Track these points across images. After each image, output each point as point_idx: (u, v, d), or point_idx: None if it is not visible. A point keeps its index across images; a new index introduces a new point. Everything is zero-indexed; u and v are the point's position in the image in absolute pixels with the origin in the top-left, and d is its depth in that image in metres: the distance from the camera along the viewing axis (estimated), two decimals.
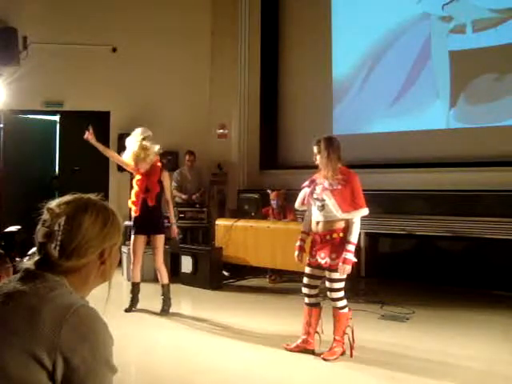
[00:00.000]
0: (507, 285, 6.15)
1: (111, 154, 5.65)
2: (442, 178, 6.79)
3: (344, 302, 4.01)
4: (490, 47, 6.77)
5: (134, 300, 5.42)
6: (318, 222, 4.05)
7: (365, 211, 3.98)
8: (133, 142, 5.31)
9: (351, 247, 3.89)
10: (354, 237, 3.92)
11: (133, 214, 5.43)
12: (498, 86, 6.73)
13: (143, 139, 5.27)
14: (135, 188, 5.37)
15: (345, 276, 3.96)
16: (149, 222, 5.34)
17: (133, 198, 5.37)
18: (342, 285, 3.98)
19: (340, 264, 3.86)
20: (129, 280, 6.54)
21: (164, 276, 5.41)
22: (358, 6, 8.00)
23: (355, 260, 4.02)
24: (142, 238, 5.41)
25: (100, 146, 5.38)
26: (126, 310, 5.33)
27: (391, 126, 7.56)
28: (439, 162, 6.96)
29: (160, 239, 5.38)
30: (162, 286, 5.41)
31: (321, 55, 8.28)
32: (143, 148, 5.23)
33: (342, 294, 4.00)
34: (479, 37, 6.85)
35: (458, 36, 7.05)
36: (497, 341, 4.48)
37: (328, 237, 3.98)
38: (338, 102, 8.17)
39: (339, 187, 3.96)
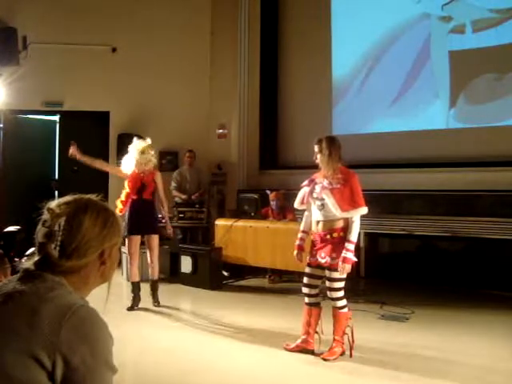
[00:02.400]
0: (507, 285, 6.15)
1: (99, 164, 5.70)
2: (442, 178, 6.79)
3: (344, 302, 4.02)
4: (489, 47, 6.77)
5: (136, 299, 5.47)
6: (318, 222, 4.06)
7: (364, 210, 3.99)
8: (135, 148, 5.46)
9: (351, 246, 3.89)
10: (353, 236, 3.92)
11: (117, 212, 5.46)
12: (497, 86, 6.73)
13: (146, 147, 5.43)
14: (126, 189, 5.48)
15: (345, 276, 3.96)
16: (143, 220, 5.44)
17: (122, 197, 5.49)
18: (341, 284, 3.99)
19: (340, 263, 3.87)
20: (128, 280, 6.54)
21: (156, 272, 5.57)
22: (358, 6, 8.00)
23: (355, 259, 4.02)
24: (136, 238, 5.50)
25: (87, 160, 5.48)
26: (129, 309, 5.39)
27: (391, 126, 7.56)
28: (439, 162, 6.97)
29: (156, 239, 5.52)
30: (152, 281, 5.55)
31: (321, 55, 8.28)
32: (146, 153, 5.41)
33: (341, 293, 4.00)
34: (479, 37, 6.86)
35: (458, 36, 7.05)
36: (497, 341, 4.48)
37: (328, 236, 3.98)
38: (337, 102, 8.17)
39: (339, 186, 3.96)
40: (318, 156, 4.07)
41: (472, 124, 6.97)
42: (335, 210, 3.92)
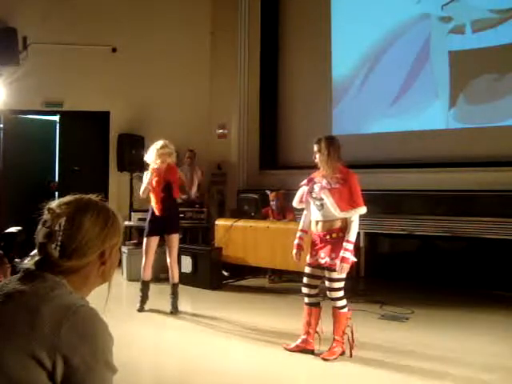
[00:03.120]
0: (507, 285, 6.15)
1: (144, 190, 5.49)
2: (441, 178, 6.79)
3: (344, 302, 4.01)
4: (489, 47, 6.77)
5: (145, 298, 5.44)
6: (317, 222, 4.05)
7: (363, 210, 3.98)
8: (157, 143, 5.42)
9: (349, 246, 3.89)
10: (352, 236, 3.92)
11: (156, 214, 5.34)
12: (497, 86, 6.73)
13: (167, 142, 5.42)
14: (154, 187, 5.35)
15: (344, 275, 3.96)
16: (166, 221, 5.35)
17: (153, 199, 5.35)
18: (341, 284, 3.99)
19: (338, 262, 3.87)
20: (129, 280, 6.55)
21: (176, 275, 5.47)
22: (358, 6, 8.00)
23: (354, 259, 4.02)
24: (155, 239, 5.44)
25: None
26: (139, 310, 5.36)
27: (391, 126, 7.57)
28: (439, 162, 6.97)
29: (176, 238, 5.45)
30: (173, 285, 5.45)
31: (321, 55, 8.28)
32: (168, 147, 5.37)
33: (341, 293, 4.00)
34: (479, 37, 6.86)
35: (458, 36, 7.06)
36: (497, 341, 4.48)
37: (327, 237, 3.98)
38: (337, 102, 8.17)
39: (337, 186, 3.96)
40: (317, 155, 4.07)
41: (472, 124, 6.97)
42: (334, 210, 3.92)
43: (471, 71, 6.94)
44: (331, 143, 4.05)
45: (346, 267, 3.88)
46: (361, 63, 7.94)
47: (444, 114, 7.19)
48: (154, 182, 5.33)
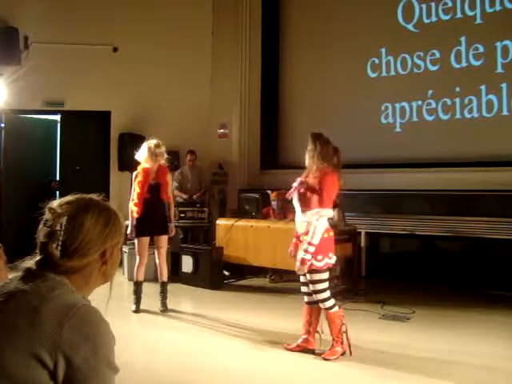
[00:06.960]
0: (507, 285, 6.15)
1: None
2: (442, 178, 6.78)
3: (332, 302, 3.94)
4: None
5: (139, 300, 5.43)
6: (296, 222, 4.08)
7: (326, 212, 3.88)
8: (150, 142, 5.44)
9: (311, 248, 3.79)
10: (314, 238, 3.79)
11: (134, 216, 5.38)
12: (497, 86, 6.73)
13: (160, 143, 5.46)
14: (137, 190, 5.39)
15: (326, 276, 3.90)
16: (153, 221, 5.38)
17: (135, 199, 5.39)
18: (325, 285, 3.92)
19: (297, 263, 3.84)
20: (130, 280, 6.55)
21: (165, 274, 5.50)
22: (359, 5, 7.99)
23: (331, 262, 3.92)
24: (147, 240, 5.45)
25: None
26: (136, 311, 5.35)
27: (391, 126, 7.55)
28: (439, 162, 6.96)
29: (165, 239, 5.49)
30: (162, 283, 5.47)
31: (322, 55, 8.27)
32: (160, 147, 5.40)
33: (327, 294, 3.93)
34: None
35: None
36: (498, 341, 4.48)
37: (301, 238, 3.98)
38: (338, 101, 8.16)
39: (305, 187, 3.91)
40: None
41: (473, 124, 6.96)
42: (298, 212, 3.93)
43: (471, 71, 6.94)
44: (316, 140, 4.01)
45: (304, 268, 3.83)
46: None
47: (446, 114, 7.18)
48: (136, 186, 5.37)
